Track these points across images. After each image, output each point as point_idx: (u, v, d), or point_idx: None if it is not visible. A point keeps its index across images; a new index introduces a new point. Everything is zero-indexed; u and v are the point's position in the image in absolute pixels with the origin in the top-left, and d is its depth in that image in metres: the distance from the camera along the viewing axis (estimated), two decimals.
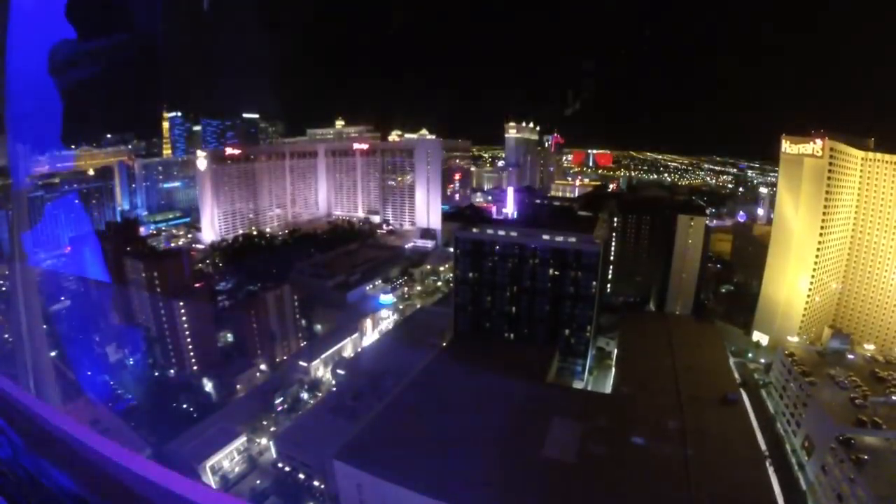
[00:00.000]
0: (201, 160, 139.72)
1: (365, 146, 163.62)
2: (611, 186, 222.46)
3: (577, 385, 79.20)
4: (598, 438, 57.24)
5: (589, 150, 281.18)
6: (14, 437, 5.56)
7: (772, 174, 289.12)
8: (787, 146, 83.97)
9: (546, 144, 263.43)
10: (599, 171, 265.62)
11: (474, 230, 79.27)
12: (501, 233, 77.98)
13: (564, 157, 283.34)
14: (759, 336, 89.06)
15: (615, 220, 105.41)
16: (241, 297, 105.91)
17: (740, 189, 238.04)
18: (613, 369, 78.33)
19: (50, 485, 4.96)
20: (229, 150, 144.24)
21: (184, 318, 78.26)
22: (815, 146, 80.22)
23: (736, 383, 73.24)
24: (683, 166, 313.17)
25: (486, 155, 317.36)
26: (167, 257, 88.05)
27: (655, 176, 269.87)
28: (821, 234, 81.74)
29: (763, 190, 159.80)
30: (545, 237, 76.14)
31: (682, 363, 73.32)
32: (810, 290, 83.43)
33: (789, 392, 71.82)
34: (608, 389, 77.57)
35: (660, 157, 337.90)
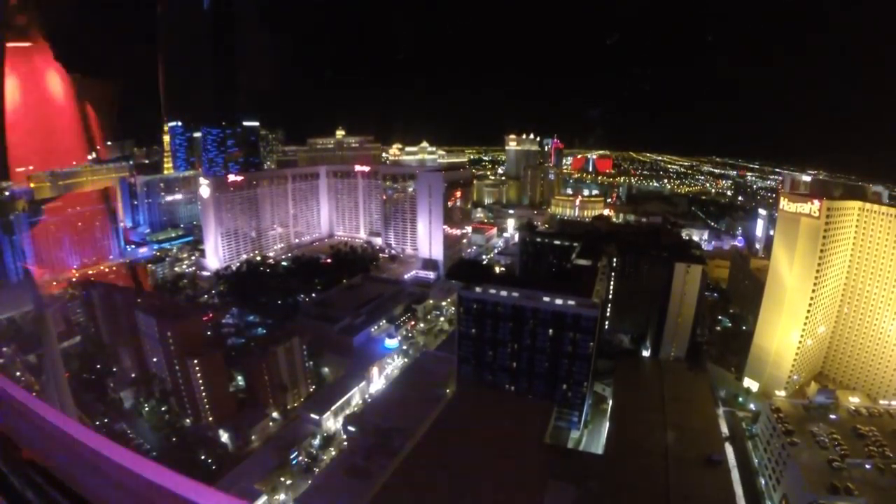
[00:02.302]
0: (204, 188, 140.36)
1: (366, 168, 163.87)
2: (611, 197, 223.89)
3: (574, 434, 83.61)
4: (588, 503, 61.89)
5: (588, 156, 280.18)
6: (12, 436, 5.48)
7: (770, 178, 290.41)
8: (786, 204, 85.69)
9: (546, 149, 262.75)
10: (599, 178, 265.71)
11: (478, 290, 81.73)
12: (504, 294, 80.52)
13: (564, 162, 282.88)
14: (749, 382, 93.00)
15: (614, 260, 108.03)
16: (249, 335, 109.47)
17: (739, 198, 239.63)
18: (608, 423, 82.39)
19: (49, 485, 4.89)
20: (231, 178, 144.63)
21: (198, 372, 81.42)
22: (813, 207, 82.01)
23: (722, 440, 77.50)
24: (683, 169, 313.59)
25: (485, 158, 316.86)
26: (179, 312, 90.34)
27: (655, 182, 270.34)
28: (813, 291, 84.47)
29: (762, 211, 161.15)
30: (545, 299, 78.79)
31: (672, 420, 77.29)
32: (800, 342, 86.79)
33: (772, 448, 75.96)
34: (602, 440, 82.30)
35: (659, 158, 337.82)
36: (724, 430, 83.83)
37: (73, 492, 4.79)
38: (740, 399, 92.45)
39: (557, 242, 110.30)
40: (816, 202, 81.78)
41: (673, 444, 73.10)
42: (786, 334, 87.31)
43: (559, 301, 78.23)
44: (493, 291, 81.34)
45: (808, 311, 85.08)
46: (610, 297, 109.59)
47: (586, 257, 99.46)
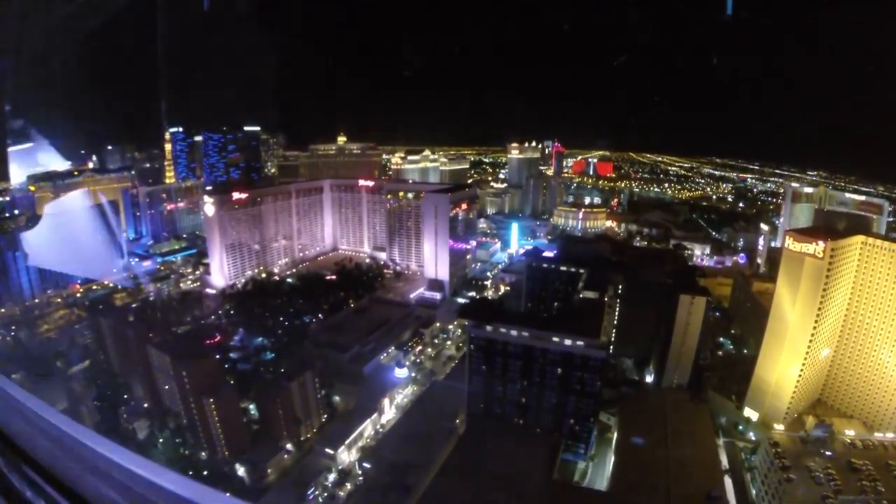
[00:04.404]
0: (209, 206, 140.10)
1: (370, 183, 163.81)
2: (612, 204, 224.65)
3: (581, 465, 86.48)
4: None
5: (589, 159, 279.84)
6: (12, 436, 5.43)
7: (771, 179, 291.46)
8: (791, 243, 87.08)
9: (547, 152, 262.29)
10: (601, 183, 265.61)
11: (488, 328, 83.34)
12: (514, 333, 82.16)
13: (565, 165, 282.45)
14: (749, 412, 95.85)
15: (619, 287, 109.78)
16: (258, 360, 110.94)
17: (740, 204, 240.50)
18: (612, 456, 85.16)
19: (49, 485, 4.85)
20: (236, 195, 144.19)
21: (213, 409, 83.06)
22: (817, 248, 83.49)
23: (722, 473, 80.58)
24: (683, 171, 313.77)
25: (486, 160, 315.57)
26: (193, 348, 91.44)
27: (656, 188, 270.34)
28: (814, 327, 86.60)
29: (764, 226, 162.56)
30: (555, 339, 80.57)
31: (674, 454, 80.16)
32: (800, 376, 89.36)
33: (769, 482, 79.14)
34: (607, 471, 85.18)
35: (659, 159, 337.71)
36: (724, 461, 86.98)
37: (73, 492, 4.72)
38: (740, 427, 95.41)
39: (563, 268, 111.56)
40: (821, 243, 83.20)
41: (675, 479, 75.99)
42: (786, 368, 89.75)
43: (568, 342, 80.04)
44: (503, 330, 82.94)
45: (809, 347, 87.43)
46: (615, 322, 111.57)
47: (593, 287, 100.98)
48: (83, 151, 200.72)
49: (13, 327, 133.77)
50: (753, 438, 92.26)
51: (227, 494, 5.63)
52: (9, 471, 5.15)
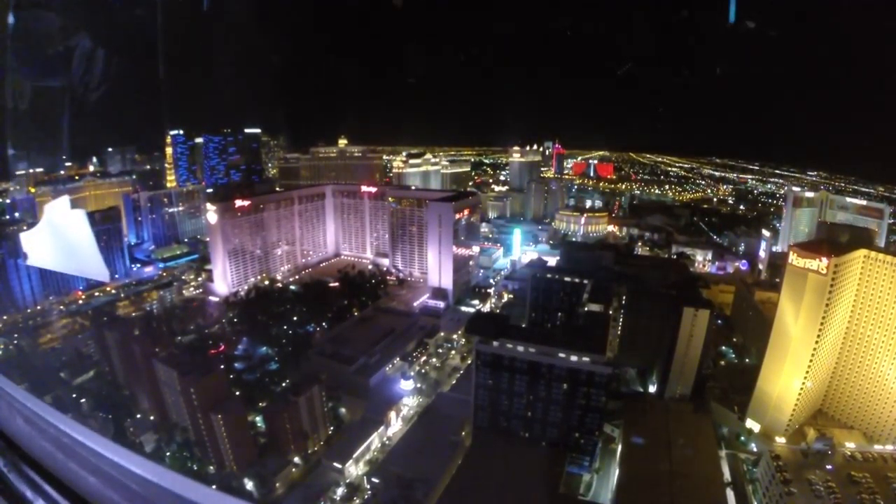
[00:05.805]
0: (211, 214, 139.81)
1: (373, 189, 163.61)
2: (614, 207, 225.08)
3: (585, 477, 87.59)
4: None
5: (590, 160, 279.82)
6: (12, 436, 5.43)
7: (771, 181, 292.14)
8: (794, 258, 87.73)
9: (547, 153, 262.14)
10: (601, 185, 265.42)
11: (494, 343, 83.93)
12: (520, 348, 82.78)
13: (565, 165, 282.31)
14: (751, 423, 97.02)
15: (623, 298, 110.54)
16: (262, 370, 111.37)
17: (741, 206, 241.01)
18: (617, 469, 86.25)
19: (49, 485, 4.84)
20: (239, 203, 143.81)
21: (221, 425, 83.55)
22: (821, 264, 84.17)
23: (724, 486, 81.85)
24: (683, 172, 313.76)
25: (486, 161, 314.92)
26: (200, 364, 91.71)
27: (657, 189, 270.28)
28: (817, 341, 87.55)
29: (765, 232, 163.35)
30: (560, 355, 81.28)
31: (677, 468, 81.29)
32: (801, 389, 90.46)
33: (771, 495, 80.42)
34: (611, 484, 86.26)
35: (659, 159, 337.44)
36: (727, 473, 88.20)
37: (73, 492, 4.74)
38: (742, 438, 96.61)
39: (567, 279, 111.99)
40: (824, 259, 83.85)
41: (678, 491, 77.18)
42: (788, 382, 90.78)
43: (574, 357, 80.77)
44: (509, 346, 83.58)
45: (811, 361, 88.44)
46: (619, 332, 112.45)
47: (597, 299, 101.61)
48: (64, 157, 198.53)
49: (15, 335, 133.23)
50: (755, 450, 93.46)
51: (228, 495, 5.61)
52: (9, 471, 5.14)
